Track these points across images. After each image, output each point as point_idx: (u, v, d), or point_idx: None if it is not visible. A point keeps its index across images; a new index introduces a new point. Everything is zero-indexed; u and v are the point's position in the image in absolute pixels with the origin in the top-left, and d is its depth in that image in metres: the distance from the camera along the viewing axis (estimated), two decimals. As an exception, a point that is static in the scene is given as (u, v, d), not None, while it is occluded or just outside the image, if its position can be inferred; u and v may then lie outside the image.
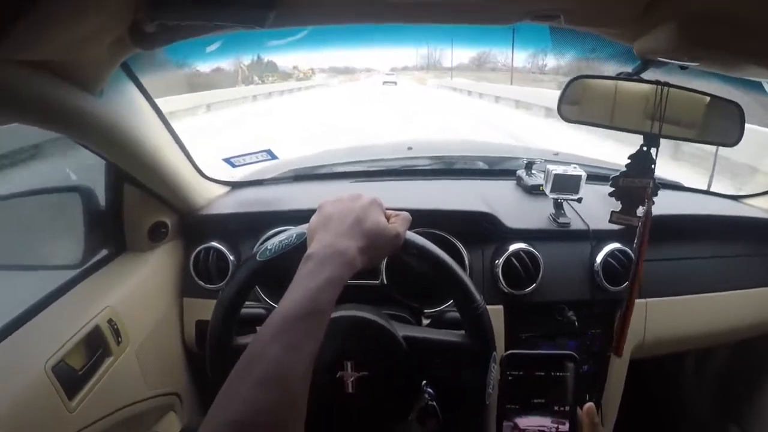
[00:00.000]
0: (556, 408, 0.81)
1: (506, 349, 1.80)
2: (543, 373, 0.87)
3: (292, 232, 1.17)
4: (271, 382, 0.71)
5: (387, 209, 1.08)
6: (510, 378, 0.88)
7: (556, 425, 0.79)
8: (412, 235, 1.17)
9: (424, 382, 1.35)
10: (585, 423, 0.80)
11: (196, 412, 2.03)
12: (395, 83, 40.24)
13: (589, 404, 0.84)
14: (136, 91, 1.51)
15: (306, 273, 0.87)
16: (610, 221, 1.60)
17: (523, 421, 0.81)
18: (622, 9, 1.10)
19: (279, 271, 1.14)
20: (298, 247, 1.11)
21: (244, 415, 0.67)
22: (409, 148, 2.89)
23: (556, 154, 2.82)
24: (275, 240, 1.18)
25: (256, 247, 1.81)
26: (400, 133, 13.44)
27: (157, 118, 1.63)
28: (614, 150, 2.29)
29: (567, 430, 0.78)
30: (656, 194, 1.55)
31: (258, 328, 1.60)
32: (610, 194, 1.59)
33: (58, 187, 1.64)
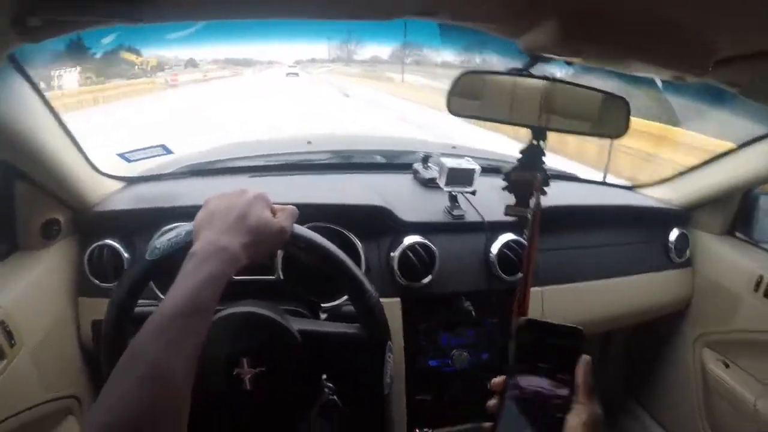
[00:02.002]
0: (559, 375, 0.83)
1: (405, 341, 1.87)
2: (555, 341, 0.89)
3: (181, 229, 1.17)
4: (150, 380, 0.71)
5: (275, 204, 1.10)
6: (522, 343, 0.90)
7: (554, 389, 0.82)
8: (300, 229, 1.19)
9: (324, 376, 1.36)
10: (581, 381, 0.82)
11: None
12: (297, 74, 40.65)
13: (586, 358, 0.87)
14: (24, 84, 1.45)
15: (187, 271, 0.88)
16: (505, 214, 1.64)
17: (524, 380, 0.83)
18: (500, 4, 1.13)
19: (171, 269, 1.15)
20: (187, 245, 1.08)
21: (122, 413, 0.68)
22: (309, 142, 2.90)
23: (454, 147, 2.87)
24: (164, 238, 1.17)
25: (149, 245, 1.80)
26: (302, 125, 13.44)
27: (48, 111, 1.58)
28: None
29: (566, 394, 0.80)
30: (547, 185, 1.61)
31: None
32: (504, 188, 1.64)
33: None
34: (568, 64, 1.36)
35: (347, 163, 2.64)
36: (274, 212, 1.08)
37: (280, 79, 38.13)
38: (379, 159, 2.70)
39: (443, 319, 1.96)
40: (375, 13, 1.22)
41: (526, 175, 1.61)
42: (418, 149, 2.68)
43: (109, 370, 1.22)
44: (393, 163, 2.64)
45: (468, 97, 1.56)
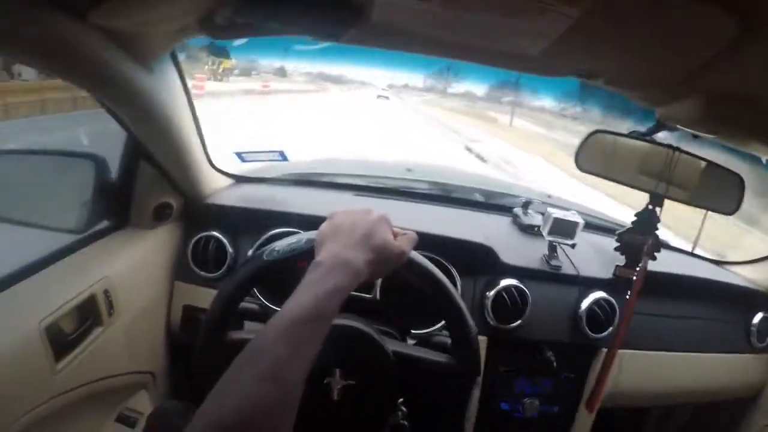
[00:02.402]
0: None
1: (483, 380, 1.85)
2: None
3: (301, 236, 1.19)
4: (272, 378, 0.73)
5: (394, 227, 1.11)
6: None
7: None
8: (416, 255, 1.21)
9: (401, 399, 1.37)
10: None
11: (166, 393, 2.03)
12: (388, 98, 40.81)
13: None
14: (176, 74, 1.55)
15: (314, 279, 0.89)
16: (614, 274, 1.65)
17: None
18: (657, 78, 1.14)
19: (280, 272, 1.17)
20: (306, 252, 1.13)
21: (242, 406, 0.70)
22: (409, 170, 2.93)
23: (550, 196, 2.86)
24: (284, 242, 1.20)
25: (256, 246, 1.87)
26: (396, 149, 13.48)
27: (187, 103, 1.67)
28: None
29: None
30: (659, 251, 1.60)
31: (247, 322, 1.62)
32: (616, 249, 1.64)
33: (73, 152, 1.65)
34: (695, 137, 1.36)
35: (447, 196, 2.62)
36: (395, 235, 1.09)
37: (371, 101, 38.27)
38: (478, 197, 2.70)
39: (524, 365, 1.94)
40: (543, 69, 1.25)
41: (639, 239, 1.61)
42: (517, 193, 2.71)
43: (203, 358, 1.26)
44: (492, 203, 2.62)
45: (595, 155, 1.58)
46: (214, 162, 2.08)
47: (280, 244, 1.20)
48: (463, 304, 1.25)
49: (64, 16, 0.94)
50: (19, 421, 1.19)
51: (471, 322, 1.25)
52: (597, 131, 1.59)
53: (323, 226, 1.06)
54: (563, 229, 1.94)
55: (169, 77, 1.51)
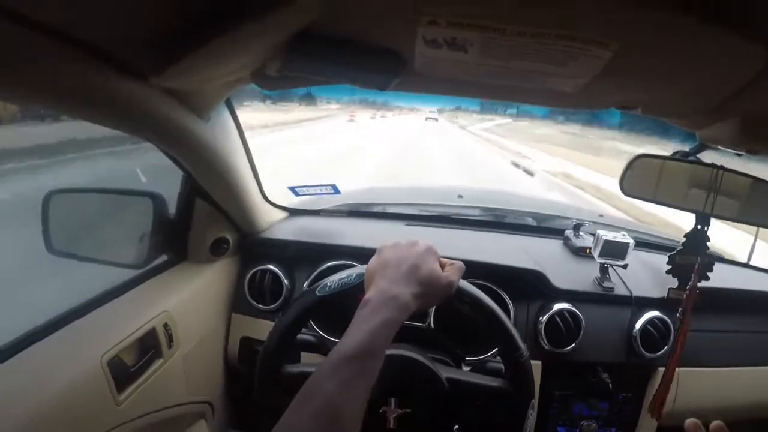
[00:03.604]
0: None
1: (539, 405, 1.84)
2: None
3: (352, 272, 1.23)
4: (323, 415, 0.75)
5: (441, 257, 1.12)
6: None
7: None
8: (465, 285, 1.23)
9: (456, 426, 1.38)
10: None
11: (224, 423, 2.08)
12: (437, 120, 40.85)
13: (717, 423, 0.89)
14: (230, 120, 1.64)
15: (363, 316, 0.91)
16: (668, 297, 1.63)
17: None
18: (693, 106, 1.16)
19: (334, 306, 1.22)
20: (356, 287, 1.17)
21: None
22: (460, 196, 2.95)
23: (601, 216, 2.85)
24: (335, 278, 1.24)
25: (310, 279, 1.91)
26: (448, 174, 13.45)
27: (242, 144, 1.75)
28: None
29: None
30: (711, 270, 1.60)
31: (304, 354, 1.65)
32: (668, 272, 1.63)
33: (133, 190, 1.71)
34: (738, 155, 1.36)
35: (498, 222, 2.64)
36: (442, 265, 1.11)
37: (419, 122, 38.34)
38: (529, 221, 2.71)
39: (579, 387, 1.93)
40: (582, 104, 1.28)
41: (691, 259, 1.60)
42: (568, 215, 2.70)
43: (261, 389, 1.30)
44: (543, 226, 2.62)
45: (641, 179, 1.58)
46: (268, 196, 2.14)
47: (332, 279, 1.23)
48: (513, 328, 1.27)
49: (126, 77, 1.00)
50: None
51: (522, 345, 1.26)
52: (641, 155, 1.59)
53: (372, 261, 1.09)
54: (614, 250, 1.93)
55: (225, 122, 1.60)
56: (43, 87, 0.91)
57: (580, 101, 1.24)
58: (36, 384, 1.17)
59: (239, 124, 1.69)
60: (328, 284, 1.22)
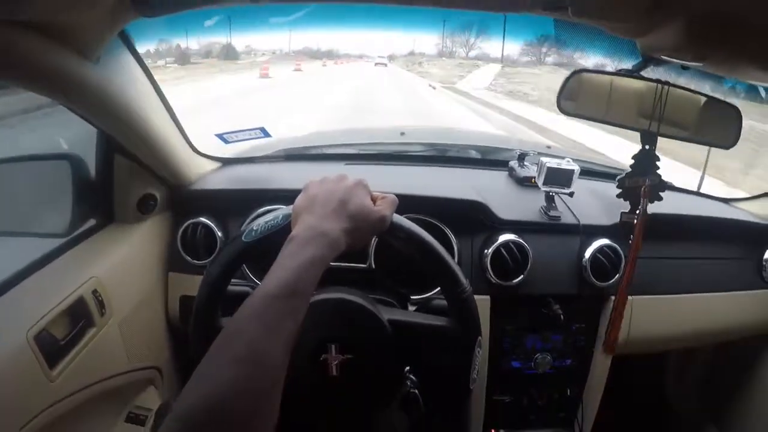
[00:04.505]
0: None
1: (490, 341, 1.84)
2: None
3: (278, 213, 1.16)
4: (247, 360, 0.71)
5: (374, 192, 1.08)
6: None
7: None
8: (399, 218, 1.17)
9: (407, 368, 1.34)
10: None
11: (175, 387, 2.03)
12: (386, 65, 40.66)
13: None
14: (132, 61, 1.51)
15: (288, 254, 0.87)
16: (621, 221, 1.61)
17: None
18: (630, 3, 1.09)
19: (263, 252, 1.14)
20: (284, 228, 1.10)
21: (218, 392, 0.67)
22: (402, 134, 2.90)
23: (549, 147, 2.83)
24: (261, 221, 1.17)
25: (243, 226, 1.82)
26: (391, 115, 13.42)
27: (153, 89, 1.63)
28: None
29: None
30: (662, 190, 1.57)
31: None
32: (618, 195, 1.61)
33: (48, 155, 1.63)
34: (684, 68, 1.30)
35: (441, 156, 2.60)
36: (374, 200, 1.07)
37: (368, 69, 38.16)
38: (473, 154, 2.66)
39: (530, 320, 1.92)
40: (506, 6, 1.21)
41: (640, 182, 1.57)
42: (513, 147, 2.65)
43: (197, 347, 1.24)
44: (488, 159, 2.59)
45: (579, 97, 1.53)
46: (197, 147, 2.05)
47: (257, 223, 1.17)
48: (453, 264, 1.22)
49: None
50: (23, 430, 1.18)
51: (464, 280, 1.22)
52: (579, 70, 1.53)
53: (298, 198, 1.04)
54: (558, 177, 1.90)
55: (123, 65, 1.46)
56: None
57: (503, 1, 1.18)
58: None
59: (144, 64, 1.56)
60: (254, 228, 1.16)
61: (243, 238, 1.16)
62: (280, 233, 1.10)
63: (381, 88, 22.84)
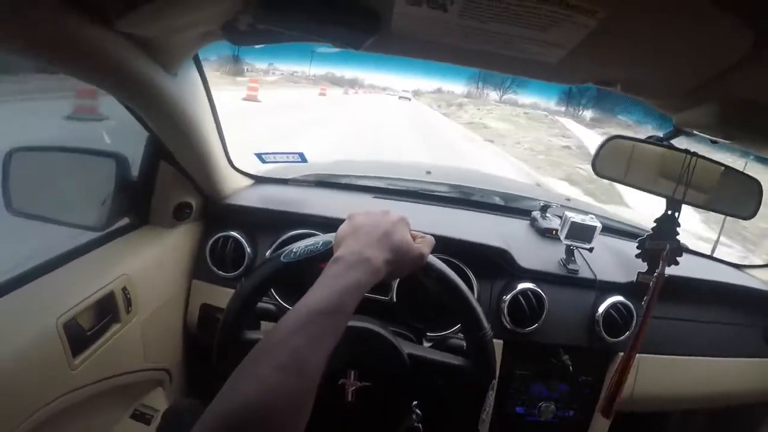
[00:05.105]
0: None
1: (499, 384, 1.85)
2: None
3: (318, 238, 1.20)
4: (290, 369, 0.73)
5: (412, 230, 1.11)
6: None
7: None
8: (433, 259, 1.21)
9: (415, 402, 1.37)
10: None
11: (182, 390, 2.06)
12: (409, 99, 40.19)
13: None
14: (198, 77, 1.58)
15: (334, 273, 0.90)
16: (638, 281, 1.64)
17: None
18: (673, 86, 1.15)
19: (298, 274, 1.19)
20: (323, 255, 1.15)
21: (260, 396, 0.69)
22: (428, 173, 2.93)
23: (568, 199, 2.86)
24: (301, 244, 1.21)
25: (273, 246, 1.89)
26: (415, 150, 13.36)
27: (209, 105, 1.70)
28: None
29: None
30: (680, 255, 1.60)
31: (264, 323, 1.63)
32: (637, 255, 1.63)
33: (97, 150, 1.67)
34: (713, 142, 1.35)
35: (467, 199, 2.62)
36: (413, 237, 1.10)
37: (392, 102, 37.58)
38: (497, 200, 2.69)
39: (539, 368, 1.93)
40: (561, 77, 1.26)
41: (660, 245, 1.60)
42: (536, 196, 2.69)
43: (220, 357, 1.27)
44: (510, 206, 2.61)
45: (613, 161, 1.57)
46: (234, 163, 2.10)
47: (297, 246, 1.21)
48: (478, 307, 1.25)
49: (91, 22, 0.96)
50: (37, 413, 1.21)
51: (486, 324, 1.25)
52: (614, 136, 1.58)
53: (343, 226, 1.07)
54: (581, 233, 1.93)
55: (193, 81, 1.55)
56: (13, 33, 0.88)
57: (559, 74, 1.23)
58: None
59: (207, 83, 1.64)
60: (294, 250, 1.20)
61: (282, 259, 1.20)
62: (319, 258, 1.15)
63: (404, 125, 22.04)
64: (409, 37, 1.13)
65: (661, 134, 1.55)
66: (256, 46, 1.24)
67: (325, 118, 19.51)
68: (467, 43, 1.10)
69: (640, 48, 0.96)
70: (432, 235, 1.15)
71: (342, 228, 1.06)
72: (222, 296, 1.93)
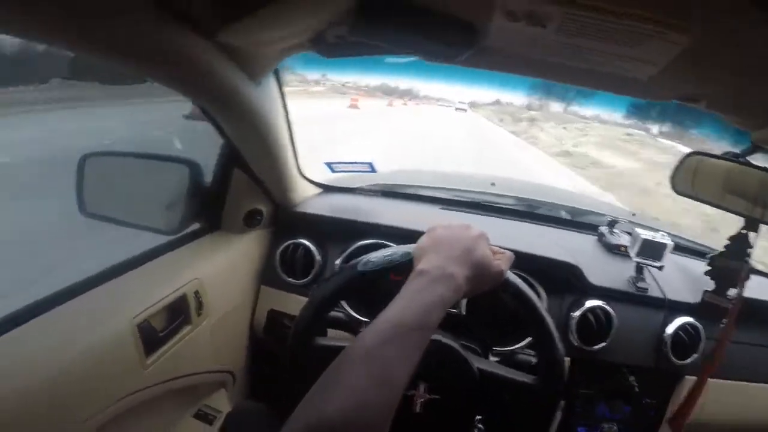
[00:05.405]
0: None
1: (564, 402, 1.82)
2: None
3: (398, 249, 1.19)
4: (383, 382, 0.73)
5: (492, 246, 1.09)
6: None
7: None
8: (512, 276, 1.20)
9: (479, 417, 1.37)
10: None
11: (243, 393, 2.09)
12: (465, 110, 39.90)
13: None
14: (277, 87, 1.62)
15: (418, 287, 0.89)
16: (704, 299, 1.60)
17: None
18: (756, 105, 1.13)
19: (371, 284, 1.19)
20: (402, 266, 1.13)
21: (355, 407, 0.69)
22: (493, 184, 2.91)
23: (634, 214, 2.81)
24: (379, 254, 1.20)
25: (345, 255, 1.92)
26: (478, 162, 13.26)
27: (285, 114, 1.73)
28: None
29: None
30: (749, 278, 1.56)
31: (337, 331, 1.64)
32: (707, 273, 1.60)
33: (171, 156, 1.71)
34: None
35: (532, 212, 2.60)
36: (493, 253, 1.08)
37: (449, 112, 37.31)
38: (563, 214, 2.64)
39: (603, 388, 1.89)
40: (649, 93, 1.25)
41: (732, 264, 1.57)
42: (603, 211, 2.66)
43: (291, 362, 1.28)
44: (577, 221, 2.57)
45: (690, 178, 1.55)
46: (303, 171, 2.13)
47: (375, 256, 1.20)
48: (553, 326, 1.24)
49: (192, 33, 1.00)
50: (108, 408, 1.25)
51: (560, 345, 1.24)
52: (692, 153, 1.56)
53: (423, 238, 1.06)
54: (651, 250, 1.89)
55: (272, 90, 1.58)
56: (117, 43, 0.92)
57: (648, 90, 1.22)
58: (65, 341, 1.18)
59: (284, 94, 1.67)
60: (372, 260, 1.19)
61: (359, 268, 1.19)
62: (397, 269, 1.14)
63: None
64: (502, 52, 1.13)
65: (737, 150, 1.53)
66: (343, 57, 1.25)
67: (365, 129, 19.59)
68: (561, 58, 1.10)
69: (731, 67, 0.95)
70: (504, 248, 1.14)
71: (423, 240, 1.06)
72: (290, 302, 1.96)
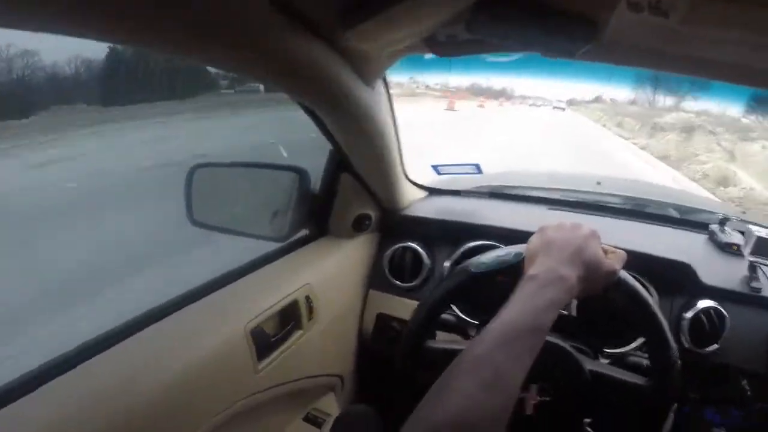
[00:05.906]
0: None
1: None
2: None
3: (509, 249, 1.17)
4: (496, 387, 0.72)
5: (604, 245, 1.07)
6: None
7: None
8: (625, 275, 1.16)
9: (588, 420, 1.34)
10: None
11: (352, 397, 2.11)
12: (563, 109, 39.08)
13: None
14: (385, 91, 1.61)
15: (530, 291, 0.88)
16: None
17: None
18: None
19: (481, 286, 1.18)
20: (514, 266, 1.11)
21: (468, 413, 0.69)
22: (598, 183, 2.86)
23: (744, 212, 2.71)
24: (491, 255, 1.19)
25: (455, 257, 1.89)
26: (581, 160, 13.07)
27: (392, 118, 1.72)
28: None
29: None
30: None
31: (445, 333, 1.64)
32: None
33: (279, 165, 1.74)
34: None
35: (640, 211, 2.52)
36: (605, 252, 1.07)
37: (546, 112, 36.69)
38: (672, 212, 2.55)
39: (713, 392, 1.80)
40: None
41: None
42: (712, 209, 2.58)
43: (403, 365, 1.29)
44: (687, 219, 2.45)
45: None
46: (408, 175, 2.13)
47: (487, 257, 1.19)
48: (667, 328, 1.20)
49: (309, 35, 1.02)
50: (224, 412, 1.29)
51: (674, 346, 1.20)
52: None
53: (533, 239, 1.05)
54: (766, 248, 1.83)
55: (382, 95, 1.57)
56: (243, 55, 0.96)
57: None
58: (186, 345, 1.23)
59: (391, 97, 1.67)
60: (483, 261, 1.18)
61: (471, 269, 1.19)
62: (509, 270, 1.12)
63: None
64: (624, 45, 1.10)
65: None
66: (455, 56, 1.25)
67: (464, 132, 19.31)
68: (686, 50, 1.06)
69: None
70: (615, 247, 1.12)
71: (533, 241, 1.05)
72: (399, 306, 1.96)
